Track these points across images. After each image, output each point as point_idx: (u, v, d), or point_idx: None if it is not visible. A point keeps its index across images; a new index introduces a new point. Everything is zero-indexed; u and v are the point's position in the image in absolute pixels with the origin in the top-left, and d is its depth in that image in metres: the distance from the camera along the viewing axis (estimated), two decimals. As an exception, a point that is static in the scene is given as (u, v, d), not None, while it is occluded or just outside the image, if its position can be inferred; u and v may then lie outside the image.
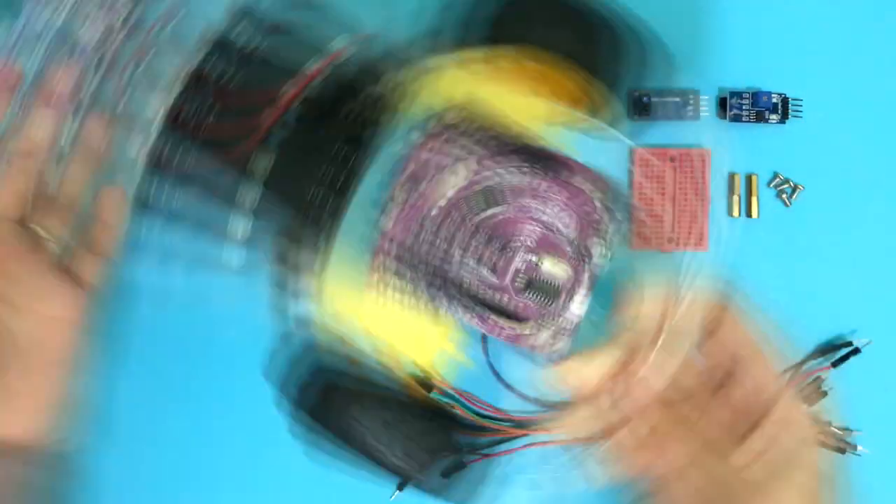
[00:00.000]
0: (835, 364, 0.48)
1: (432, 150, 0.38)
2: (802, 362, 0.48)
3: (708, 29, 0.49)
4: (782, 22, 0.49)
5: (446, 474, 0.42)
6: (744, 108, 0.48)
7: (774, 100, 0.48)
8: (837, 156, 0.49)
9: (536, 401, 0.43)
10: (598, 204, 0.38)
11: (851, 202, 0.49)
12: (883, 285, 0.49)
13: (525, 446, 0.46)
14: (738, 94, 0.48)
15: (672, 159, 0.48)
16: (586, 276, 0.39)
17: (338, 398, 0.40)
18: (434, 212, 0.38)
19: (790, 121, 0.48)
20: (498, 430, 0.44)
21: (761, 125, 0.49)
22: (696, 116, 0.48)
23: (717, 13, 0.49)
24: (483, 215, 0.38)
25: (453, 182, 0.38)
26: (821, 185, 0.49)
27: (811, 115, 0.49)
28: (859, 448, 0.48)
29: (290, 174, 0.39)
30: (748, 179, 0.49)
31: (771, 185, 0.49)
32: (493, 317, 0.38)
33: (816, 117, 0.49)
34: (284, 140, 0.39)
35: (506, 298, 0.39)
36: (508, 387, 0.44)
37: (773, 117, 0.48)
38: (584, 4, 0.41)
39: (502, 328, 0.39)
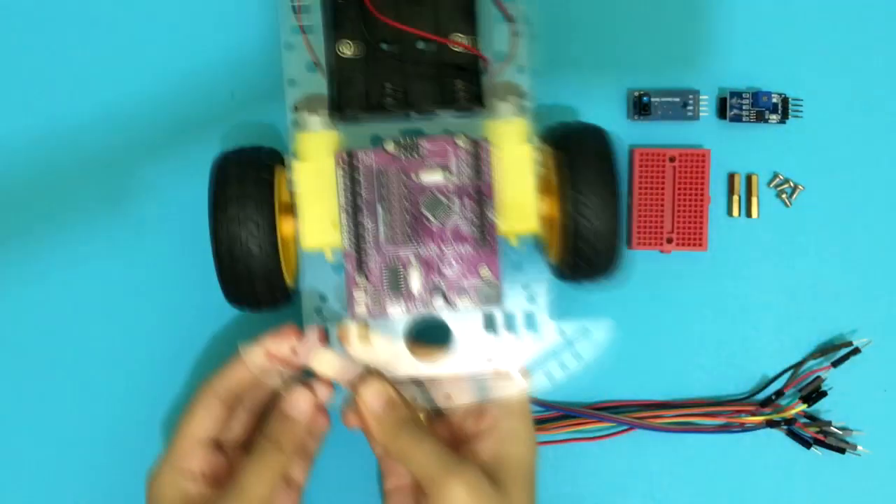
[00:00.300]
0: (835, 364, 0.48)
1: (448, 150, 0.41)
2: (802, 362, 0.48)
3: (708, 29, 0.49)
4: (782, 22, 0.49)
5: None
6: (744, 108, 0.48)
7: (774, 100, 0.48)
8: (837, 156, 0.49)
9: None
10: None
11: (851, 202, 0.49)
12: (883, 285, 0.49)
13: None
14: (738, 94, 0.48)
15: (672, 159, 0.48)
16: None
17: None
18: (404, 177, 0.41)
19: (790, 121, 0.48)
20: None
21: (761, 125, 0.49)
22: (696, 116, 0.48)
23: (717, 13, 0.49)
24: (421, 210, 0.41)
25: (430, 178, 0.41)
26: (821, 185, 0.49)
27: (811, 115, 0.49)
28: (859, 448, 0.48)
29: (370, 72, 0.43)
30: (748, 179, 0.49)
31: (771, 185, 0.49)
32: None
33: (816, 117, 0.49)
34: (398, 52, 0.43)
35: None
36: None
37: (773, 117, 0.48)
38: None
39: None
